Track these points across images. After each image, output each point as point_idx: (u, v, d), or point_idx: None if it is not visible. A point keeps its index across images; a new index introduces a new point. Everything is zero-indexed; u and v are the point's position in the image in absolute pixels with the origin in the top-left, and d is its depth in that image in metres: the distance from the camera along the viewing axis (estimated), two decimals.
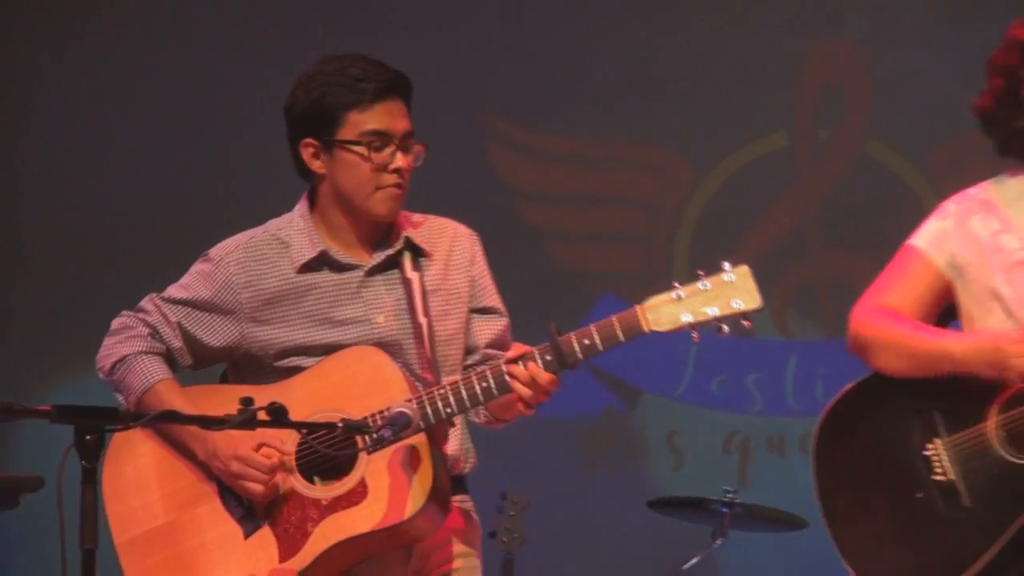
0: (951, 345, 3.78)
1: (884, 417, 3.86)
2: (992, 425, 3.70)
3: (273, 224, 3.72)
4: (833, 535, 3.85)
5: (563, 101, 7.64)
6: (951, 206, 3.91)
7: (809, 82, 8.14)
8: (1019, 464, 3.67)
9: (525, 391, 3.46)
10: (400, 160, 3.58)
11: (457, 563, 3.68)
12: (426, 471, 3.48)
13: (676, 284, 3.49)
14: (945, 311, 3.92)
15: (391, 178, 3.59)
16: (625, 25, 7.80)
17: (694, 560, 5.90)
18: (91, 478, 3.00)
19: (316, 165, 3.62)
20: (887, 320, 3.86)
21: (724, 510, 5.72)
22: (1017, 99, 3.86)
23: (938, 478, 3.77)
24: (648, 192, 8.05)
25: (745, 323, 3.52)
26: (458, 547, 3.67)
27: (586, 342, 3.47)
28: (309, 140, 3.61)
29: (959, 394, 3.75)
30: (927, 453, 3.78)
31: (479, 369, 3.55)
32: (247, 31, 7.23)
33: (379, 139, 3.58)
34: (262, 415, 3.22)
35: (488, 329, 3.75)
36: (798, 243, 7.99)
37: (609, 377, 6.90)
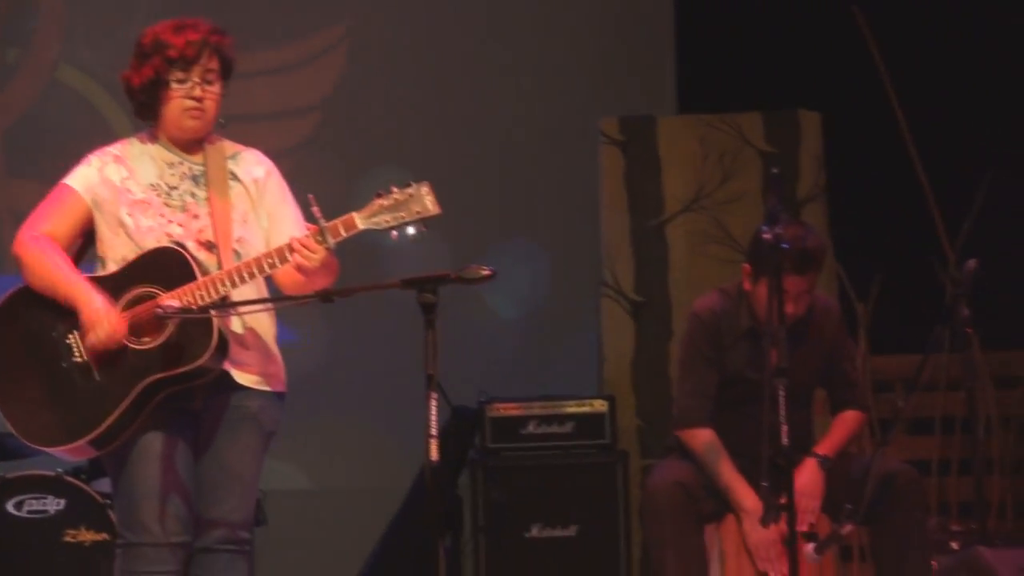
0: (86, 295, 4.35)
1: (36, 316, 4.40)
2: None
3: None
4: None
5: None
6: (94, 158, 4.52)
7: None
8: (136, 349, 4.30)
9: None
10: None
11: None
12: None
13: None
14: (89, 232, 4.52)
15: None
16: None
17: None
18: None
19: None
20: (42, 249, 4.43)
21: None
22: (140, 86, 4.49)
23: (76, 360, 4.35)
24: None
25: None
26: None
27: None
28: None
29: None
30: (68, 342, 4.36)
31: None
32: None
33: None
34: None
35: None
36: None
37: None
